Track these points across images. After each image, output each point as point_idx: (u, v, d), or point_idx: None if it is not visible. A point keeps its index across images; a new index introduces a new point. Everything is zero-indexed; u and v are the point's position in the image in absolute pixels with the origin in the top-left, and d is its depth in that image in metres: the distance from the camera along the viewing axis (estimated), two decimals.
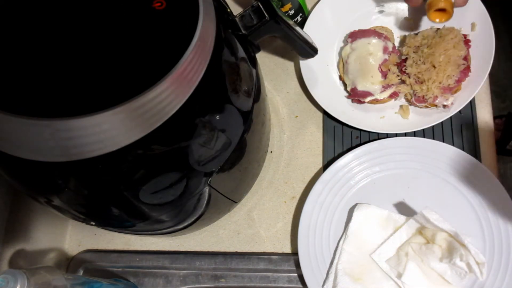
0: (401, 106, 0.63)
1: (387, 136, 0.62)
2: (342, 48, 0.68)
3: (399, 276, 0.53)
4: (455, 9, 0.64)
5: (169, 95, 0.33)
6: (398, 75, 0.62)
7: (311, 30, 0.68)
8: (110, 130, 0.32)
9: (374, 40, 0.64)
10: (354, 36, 0.65)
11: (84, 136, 0.32)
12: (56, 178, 0.37)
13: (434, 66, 0.58)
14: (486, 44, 0.59)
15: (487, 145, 0.60)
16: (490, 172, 0.55)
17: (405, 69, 0.61)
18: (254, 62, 0.48)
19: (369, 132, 0.64)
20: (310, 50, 0.60)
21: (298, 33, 0.55)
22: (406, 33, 0.66)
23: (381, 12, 0.69)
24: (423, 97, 0.59)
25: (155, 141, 0.35)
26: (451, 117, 0.59)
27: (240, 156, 0.49)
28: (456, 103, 0.59)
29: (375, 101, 0.63)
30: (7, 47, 0.35)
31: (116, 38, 0.35)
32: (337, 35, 0.70)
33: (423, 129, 0.62)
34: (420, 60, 0.59)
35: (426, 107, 0.61)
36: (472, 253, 0.49)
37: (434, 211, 0.51)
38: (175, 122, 0.35)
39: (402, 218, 0.57)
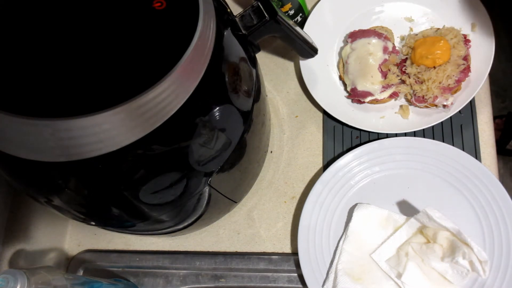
0: (401, 106, 0.63)
1: (387, 136, 0.62)
2: (342, 48, 0.68)
3: (399, 276, 0.53)
4: (455, 9, 0.64)
5: (169, 95, 0.33)
6: (398, 75, 0.62)
7: (311, 30, 0.68)
8: (110, 130, 0.32)
9: (374, 40, 0.64)
10: (354, 36, 0.65)
11: (84, 136, 0.32)
12: (56, 178, 0.37)
13: (434, 66, 0.58)
14: (486, 44, 0.59)
15: (487, 145, 0.60)
16: (490, 172, 0.55)
17: (405, 69, 0.61)
18: (254, 62, 0.48)
19: (369, 132, 0.64)
20: (310, 50, 0.60)
21: (298, 33, 0.55)
22: (406, 33, 0.66)
23: (381, 12, 0.69)
24: (423, 97, 0.59)
25: (155, 141, 0.35)
26: (451, 117, 0.59)
27: (240, 156, 0.49)
28: (456, 103, 0.59)
29: (375, 101, 0.63)
30: (7, 47, 0.35)
31: (116, 38, 0.35)
32: (337, 35, 0.70)
33: (423, 129, 0.62)
34: None
35: (426, 107, 0.60)
36: (475, 251, 0.49)
37: (437, 209, 0.51)
38: (175, 122, 0.35)
39: (402, 218, 0.57)
